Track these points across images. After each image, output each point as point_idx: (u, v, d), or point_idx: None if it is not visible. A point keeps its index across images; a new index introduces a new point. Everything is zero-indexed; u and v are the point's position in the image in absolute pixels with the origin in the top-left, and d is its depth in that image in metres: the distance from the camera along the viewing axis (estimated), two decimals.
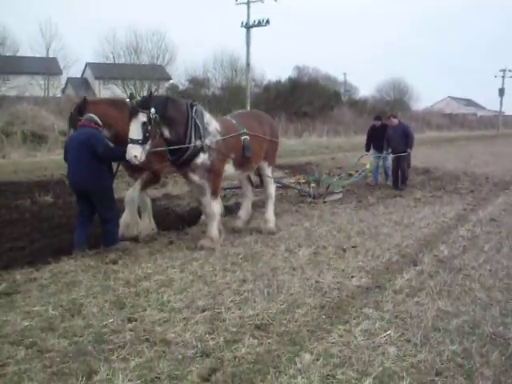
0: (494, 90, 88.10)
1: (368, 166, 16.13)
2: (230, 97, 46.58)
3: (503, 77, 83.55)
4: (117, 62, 49.91)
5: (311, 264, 7.56)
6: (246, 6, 39.44)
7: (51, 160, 22.95)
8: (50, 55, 57.73)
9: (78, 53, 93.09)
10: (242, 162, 8.90)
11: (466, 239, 9.12)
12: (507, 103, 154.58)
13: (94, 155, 7.79)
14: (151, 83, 47.20)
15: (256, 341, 5.00)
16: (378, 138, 16.17)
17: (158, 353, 4.75)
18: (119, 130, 8.20)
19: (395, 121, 15.66)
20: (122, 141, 7.73)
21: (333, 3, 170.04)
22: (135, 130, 7.41)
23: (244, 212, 9.93)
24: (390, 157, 15.80)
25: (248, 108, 38.51)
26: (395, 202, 13.18)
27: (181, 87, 50.57)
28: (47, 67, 50.40)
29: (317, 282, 6.75)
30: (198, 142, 8.00)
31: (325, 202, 12.73)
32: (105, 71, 54.74)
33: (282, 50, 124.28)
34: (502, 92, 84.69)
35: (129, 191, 9.08)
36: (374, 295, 6.30)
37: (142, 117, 7.40)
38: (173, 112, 7.90)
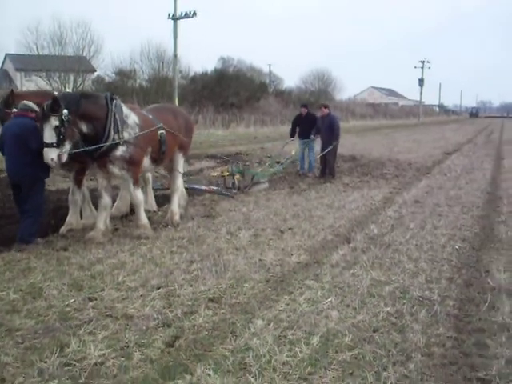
0: (414, 80, 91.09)
1: (293, 153, 16.50)
2: (157, 88, 46.37)
3: (422, 68, 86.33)
4: (40, 53, 48.63)
5: (252, 245, 8.09)
6: None
7: None
8: None
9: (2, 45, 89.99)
10: (158, 156, 9.20)
11: (393, 219, 9.87)
12: (427, 93, 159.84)
13: (28, 148, 7.89)
14: (76, 75, 46.43)
15: (211, 312, 5.49)
16: (303, 126, 16.40)
17: (122, 326, 5.16)
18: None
19: (325, 111, 15.96)
20: None
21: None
22: (48, 134, 7.61)
23: (182, 200, 10.31)
24: (314, 146, 16.42)
25: (176, 100, 38.64)
26: (325, 187, 13.88)
27: (107, 79, 49.95)
28: None
29: (260, 260, 7.29)
30: (116, 136, 8.22)
31: (249, 192, 12.94)
32: (27, 63, 53.26)
33: (208, 41, 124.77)
34: (421, 82, 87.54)
35: (69, 195, 9.31)
36: (314, 269, 6.89)
37: (54, 120, 7.59)
38: (89, 107, 8.08)
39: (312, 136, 16.14)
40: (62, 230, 8.97)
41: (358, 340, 4.83)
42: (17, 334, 5.01)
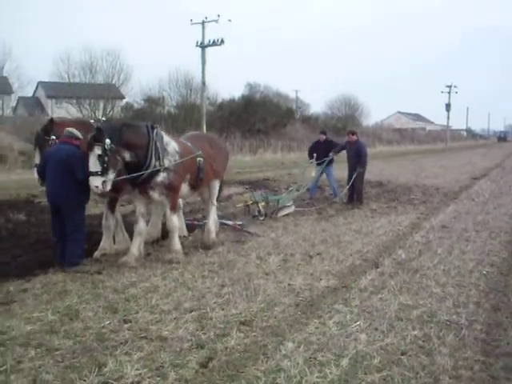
0: (441, 105, 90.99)
1: (313, 174, 16.66)
2: (185, 115, 47.01)
3: (449, 92, 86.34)
4: (72, 81, 49.77)
5: (282, 269, 8.24)
6: (201, 26, 40.18)
7: (12, 180, 23.08)
8: (5, 75, 57.38)
9: (33, 73, 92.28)
10: (196, 182, 9.56)
11: (420, 244, 9.95)
12: (454, 117, 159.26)
13: (71, 174, 8.21)
14: (106, 102, 47.37)
15: (242, 334, 5.66)
16: (321, 153, 16.42)
17: (156, 347, 5.34)
18: (86, 150, 8.61)
19: (353, 137, 16.04)
20: None
21: (283, 24, 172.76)
22: (93, 163, 7.94)
23: (213, 226, 10.54)
24: (332, 172, 16.59)
25: (204, 126, 39.22)
26: (353, 213, 13.99)
27: (136, 106, 50.81)
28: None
29: (289, 284, 7.44)
30: (157, 163, 8.55)
31: (277, 217, 13.12)
32: (57, 90, 54.55)
33: (235, 68, 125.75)
34: (448, 107, 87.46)
35: (103, 220, 9.60)
36: (342, 294, 7.03)
37: (97, 150, 7.91)
38: (131, 136, 8.42)
39: (331, 154, 16.14)
40: (96, 254, 9.20)
41: (386, 362, 4.96)
42: (56, 353, 5.22)
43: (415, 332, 5.67)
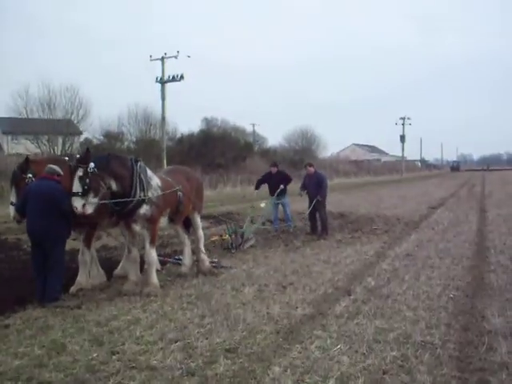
0: (395, 137, 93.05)
1: (263, 205, 17.10)
2: (144, 150, 47.08)
3: (403, 124, 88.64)
4: (30, 117, 49.40)
5: (258, 299, 8.49)
6: (160, 62, 40.60)
7: None
8: None
9: None
10: (176, 215, 10.00)
11: (388, 272, 10.33)
12: (408, 148, 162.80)
13: (56, 208, 8.39)
14: (65, 138, 47.13)
15: (229, 361, 5.88)
16: (274, 184, 16.97)
17: (148, 376, 5.53)
18: (64, 186, 8.73)
19: (311, 169, 16.50)
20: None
21: (239, 59, 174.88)
22: (74, 184, 8.26)
23: (187, 258, 10.83)
24: (288, 203, 17.14)
25: (164, 161, 39.37)
26: (319, 244, 14.36)
27: (95, 142, 50.68)
28: None
29: (267, 313, 7.69)
30: (142, 195, 8.91)
31: (243, 250, 13.50)
32: (13, 126, 53.92)
33: (192, 102, 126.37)
34: (402, 138, 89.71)
35: (79, 255, 9.74)
36: (320, 320, 7.31)
37: (80, 172, 8.26)
38: (116, 167, 8.77)
39: (282, 186, 16.64)
40: (72, 289, 9.30)
41: (370, 381, 5.26)
42: None
43: (393, 353, 5.99)
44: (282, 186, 16.68)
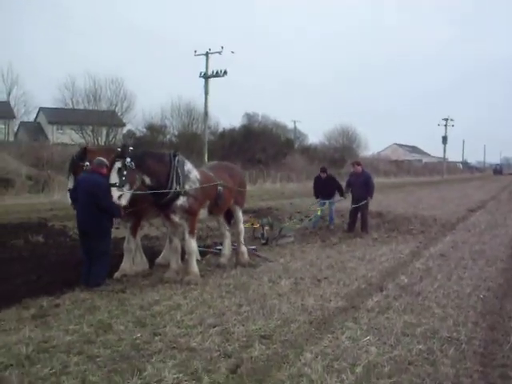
0: (437, 138, 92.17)
1: (319, 213, 17.45)
2: (186, 144, 47.82)
3: (446, 125, 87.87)
4: (75, 108, 50.66)
5: (294, 291, 8.85)
6: (204, 58, 41.22)
7: (20, 204, 23.73)
8: (11, 101, 58.44)
9: (37, 99, 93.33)
10: (215, 208, 10.37)
11: (421, 270, 10.59)
12: (450, 149, 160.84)
13: (97, 204, 8.90)
14: (108, 129, 48.21)
15: (264, 346, 6.26)
16: (323, 189, 17.61)
17: (188, 356, 5.94)
18: None
19: (359, 168, 16.87)
20: None
21: (283, 58, 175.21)
22: (112, 176, 8.72)
23: (226, 249, 11.27)
24: (335, 204, 17.53)
25: (206, 155, 39.99)
26: (355, 241, 14.64)
27: (138, 134, 51.68)
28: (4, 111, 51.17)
29: (302, 304, 8.05)
30: (178, 188, 9.31)
31: (277, 245, 13.81)
32: (59, 116, 55.40)
33: (234, 97, 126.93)
34: (445, 140, 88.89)
35: (125, 243, 10.27)
36: (351, 313, 7.65)
37: (118, 164, 8.73)
38: (151, 163, 9.22)
39: (337, 197, 17.33)
40: (117, 274, 9.82)
41: (395, 370, 5.58)
42: (97, 360, 5.82)
43: (420, 346, 6.30)
44: (338, 198, 17.47)
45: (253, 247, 12.14)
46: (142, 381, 5.29)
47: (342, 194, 17.29)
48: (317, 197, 18.06)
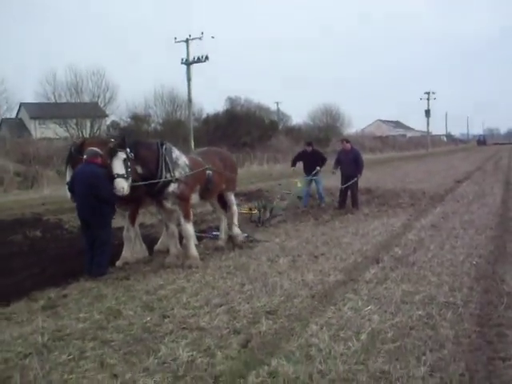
0: (420, 112, 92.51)
1: (299, 185, 17.34)
2: (171, 131, 47.81)
3: (428, 99, 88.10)
4: (57, 101, 50.41)
5: (293, 268, 9.13)
6: (185, 44, 41.18)
7: (11, 200, 23.78)
8: None
9: (21, 95, 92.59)
10: (205, 193, 10.55)
11: (414, 242, 10.91)
12: (433, 123, 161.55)
13: (96, 194, 9.05)
14: (92, 121, 48.06)
15: (271, 321, 6.53)
16: (308, 163, 17.54)
17: (199, 335, 6.19)
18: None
19: (348, 145, 17.04)
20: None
21: (263, 43, 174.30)
22: (119, 166, 8.90)
23: (223, 233, 11.51)
24: (322, 180, 17.62)
25: (192, 142, 40.09)
26: (347, 218, 14.93)
27: (122, 124, 51.58)
28: None
29: (302, 280, 8.33)
30: (168, 175, 9.50)
31: (270, 225, 14.09)
32: (41, 111, 55.06)
33: (216, 82, 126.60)
34: (428, 113, 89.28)
35: (124, 232, 10.48)
36: (351, 285, 7.94)
37: (122, 155, 8.93)
38: (143, 152, 9.40)
39: (318, 168, 17.19)
40: (118, 263, 10.04)
41: (398, 335, 5.88)
42: (112, 344, 6.05)
43: (419, 312, 6.60)
44: (318, 168, 17.23)
45: (245, 235, 12.30)
46: (158, 360, 5.52)
47: (321, 166, 17.29)
48: (293, 165, 18.14)
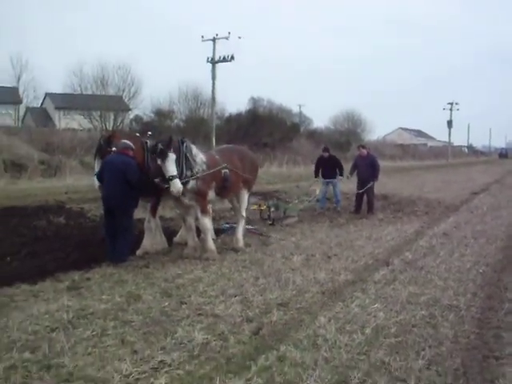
0: (442, 122, 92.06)
1: (318, 192, 17.95)
2: (193, 128, 48.22)
3: (451, 109, 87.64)
4: (83, 93, 51.08)
5: (305, 266, 9.52)
6: (211, 43, 41.65)
7: (35, 188, 24.27)
8: (21, 87, 59.07)
9: (48, 85, 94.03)
10: (222, 190, 10.75)
11: (425, 248, 11.24)
12: (455, 134, 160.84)
13: (126, 181, 9.50)
14: (116, 114, 48.63)
15: (282, 312, 6.94)
16: (326, 168, 18.02)
17: (213, 321, 6.61)
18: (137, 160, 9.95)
19: (364, 151, 17.42)
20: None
21: (289, 46, 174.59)
22: (172, 168, 9.39)
23: (239, 234, 11.75)
24: (339, 183, 17.94)
25: (213, 140, 40.52)
26: (362, 222, 15.28)
27: (145, 118, 52.15)
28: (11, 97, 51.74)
29: (314, 277, 8.72)
30: (189, 173, 9.78)
31: (282, 225, 14.41)
32: (65, 102, 55.74)
33: (239, 82, 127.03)
34: (450, 124, 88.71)
35: (145, 222, 10.89)
36: (360, 285, 8.31)
37: (172, 155, 9.41)
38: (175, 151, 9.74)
39: (338, 176, 17.72)
40: (139, 252, 10.47)
41: (401, 332, 6.25)
42: (132, 324, 6.49)
43: (423, 312, 6.98)
44: (339, 177, 17.76)
45: (251, 227, 12.57)
46: (175, 341, 5.94)
47: (341, 174, 17.75)
48: (316, 175, 18.44)
